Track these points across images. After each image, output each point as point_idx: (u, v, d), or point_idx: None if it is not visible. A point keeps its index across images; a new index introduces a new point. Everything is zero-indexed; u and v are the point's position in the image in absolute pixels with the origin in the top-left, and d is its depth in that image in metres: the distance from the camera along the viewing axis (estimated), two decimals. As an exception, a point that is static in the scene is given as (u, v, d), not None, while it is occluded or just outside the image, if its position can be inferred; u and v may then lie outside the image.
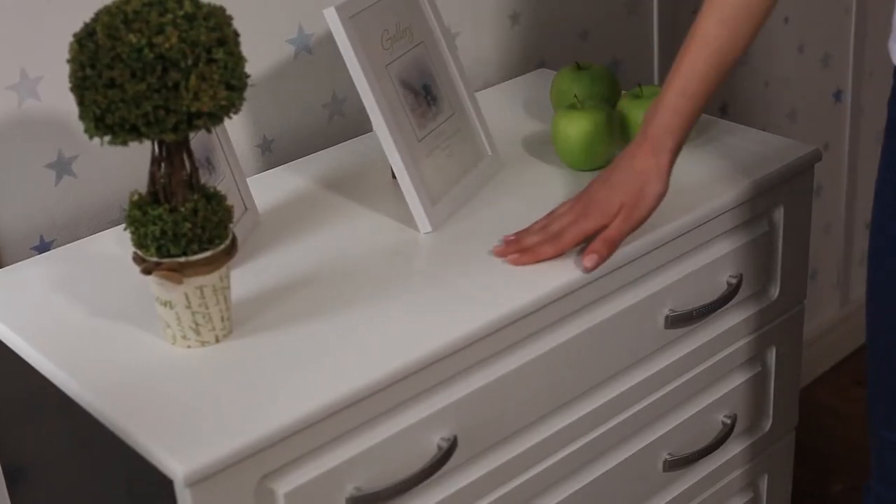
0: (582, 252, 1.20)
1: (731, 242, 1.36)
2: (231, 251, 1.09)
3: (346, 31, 1.23)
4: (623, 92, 1.48)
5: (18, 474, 1.30)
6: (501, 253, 1.22)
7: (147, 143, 1.03)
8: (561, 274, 1.19)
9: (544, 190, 1.36)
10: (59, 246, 1.34)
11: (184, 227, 1.04)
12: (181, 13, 0.98)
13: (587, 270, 1.19)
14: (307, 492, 1.04)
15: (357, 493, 1.07)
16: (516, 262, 1.20)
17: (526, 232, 1.23)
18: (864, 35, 2.35)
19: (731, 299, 1.34)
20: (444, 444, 1.12)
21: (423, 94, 1.34)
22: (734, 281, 1.35)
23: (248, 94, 1.04)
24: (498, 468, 1.20)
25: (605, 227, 1.20)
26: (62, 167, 1.34)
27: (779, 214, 1.40)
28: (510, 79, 1.71)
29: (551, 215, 1.24)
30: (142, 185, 1.10)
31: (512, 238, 1.23)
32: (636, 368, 1.31)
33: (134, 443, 1.00)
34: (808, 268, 1.49)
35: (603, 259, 1.19)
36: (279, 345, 1.11)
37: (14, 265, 1.28)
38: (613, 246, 1.20)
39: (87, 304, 1.19)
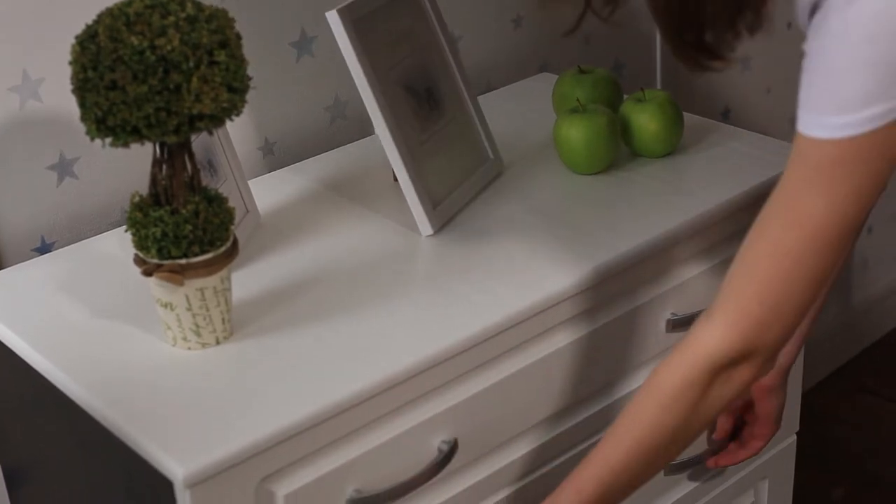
0: None
1: (734, 246, 1.35)
2: (232, 253, 1.09)
3: (349, 34, 1.23)
4: (625, 96, 1.48)
5: (18, 475, 1.30)
6: None
7: (148, 145, 1.03)
8: (561, 278, 1.19)
9: (546, 194, 1.36)
10: (61, 247, 1.34)
11: (185, 229, 1.04)
12: (183, 15, 0.98)
13: None
14: (307, 494, 1.04)
15: (357, 495, 1.07)
16: None
17: None
18: (866, 40, 2.34)
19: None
20: (445, 447, 1.12)
21: (424, 98, 1.33)
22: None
23: (250, 96, 1.04)
24: (498, 471, 1.20)
25: None
26: (64, 169, 1.34)
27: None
28: (512, 82, 1.71)
29: None
30: (143, 186, 1.10)
31: None
32: (637, 372, 1.30)
33: (134, 444, 1.00)
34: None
35: None
36: (280, 347, 1.11)
37: (15, 266, 1.28)
38: None
39: (88, 305, 1.19)
